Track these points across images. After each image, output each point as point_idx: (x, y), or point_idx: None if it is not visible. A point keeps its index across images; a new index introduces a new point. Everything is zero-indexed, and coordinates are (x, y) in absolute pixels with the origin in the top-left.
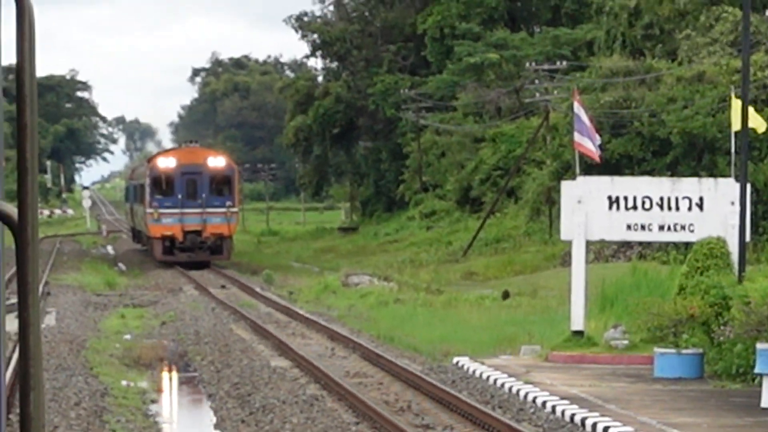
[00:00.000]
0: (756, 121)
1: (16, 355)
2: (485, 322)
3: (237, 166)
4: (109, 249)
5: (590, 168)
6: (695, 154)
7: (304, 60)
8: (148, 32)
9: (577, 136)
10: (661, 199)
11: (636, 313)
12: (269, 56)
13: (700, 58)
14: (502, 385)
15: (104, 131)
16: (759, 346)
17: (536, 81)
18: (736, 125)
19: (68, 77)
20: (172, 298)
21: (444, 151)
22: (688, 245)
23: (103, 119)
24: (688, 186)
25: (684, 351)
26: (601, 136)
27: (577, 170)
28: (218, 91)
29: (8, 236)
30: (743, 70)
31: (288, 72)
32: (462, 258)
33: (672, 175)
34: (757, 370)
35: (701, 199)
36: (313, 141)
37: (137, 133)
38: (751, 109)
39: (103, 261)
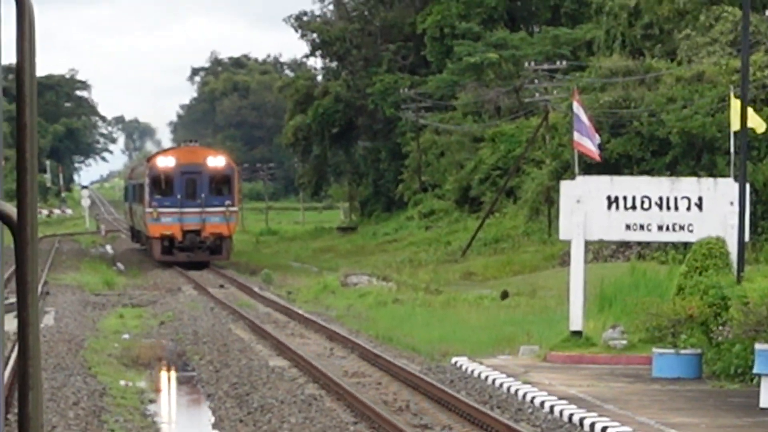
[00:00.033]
0: (755, 121)
1: (14, 355)
2: (484, 322)
3: (236, 165)
4: (108, 248)
5: (589, 168)
6: (694, 154)
7: (304, 59)
8: (148, 32)
9: (576, 136)
10: (660, 199)
11: (634, 313)
12: (269, 56)
13: (699, 58)
14: (501, 385)
15: (103, 131)
16: (757, 346)
17: (536, 81)
18: (735, 125)
19: (68, 77)
20: (171, 298)
21: (443, 150)
22: (687, 245)
23: (103, 119)
24: (688, 186)
25: (682, 351)
26: (600, 135)
27: (577, 170)
28: (217, 90)
29: (8, 236)
30: (743, 70)
31: (287, 71)
32: (461, 258)
33: (671, 175)
34: (755, 371)
35: (700, 199)
36: (312, 140)
37: (136, 132)
38: (750, 109)
39: (102, 261)
